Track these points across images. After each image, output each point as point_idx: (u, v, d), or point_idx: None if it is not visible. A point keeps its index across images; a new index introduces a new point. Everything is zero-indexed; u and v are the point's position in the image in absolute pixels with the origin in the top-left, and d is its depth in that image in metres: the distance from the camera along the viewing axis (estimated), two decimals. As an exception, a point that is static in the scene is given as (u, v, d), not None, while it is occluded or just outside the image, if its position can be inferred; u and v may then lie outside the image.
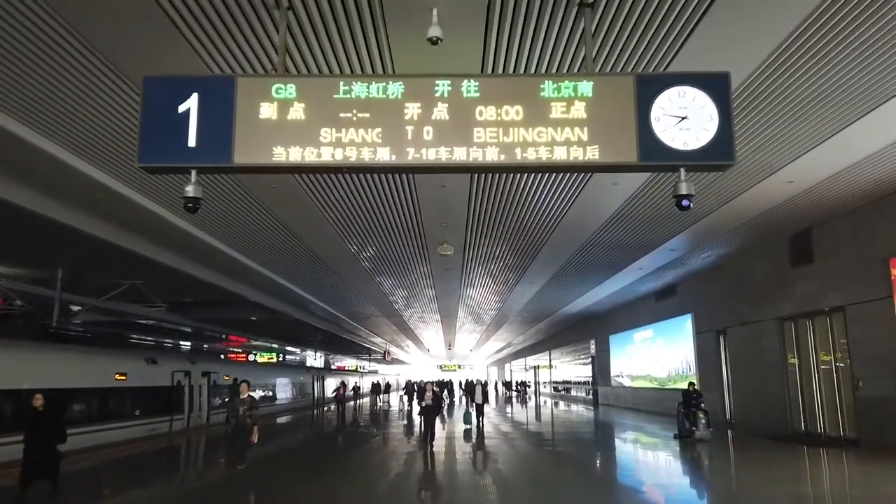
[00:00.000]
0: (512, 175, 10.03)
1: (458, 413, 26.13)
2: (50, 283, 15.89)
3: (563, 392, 44.04)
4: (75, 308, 23.99)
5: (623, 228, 13.49)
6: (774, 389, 15.08)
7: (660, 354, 23.62)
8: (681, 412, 14.93)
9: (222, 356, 42.75)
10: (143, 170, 4.95)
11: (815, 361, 14.06)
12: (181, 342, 40.11)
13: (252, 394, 10.91)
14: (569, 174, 9.94)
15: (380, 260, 17.01)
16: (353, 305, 27.35)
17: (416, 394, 27.05)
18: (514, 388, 56.87)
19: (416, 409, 20.90)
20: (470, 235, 14.13)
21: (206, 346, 44.83)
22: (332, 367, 56.77)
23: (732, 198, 11.26)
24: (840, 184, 10.62)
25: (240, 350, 46.77)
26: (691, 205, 5.09)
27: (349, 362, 66.05)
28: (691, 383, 15.84)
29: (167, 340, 36.12)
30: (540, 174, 9.84)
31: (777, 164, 9.48)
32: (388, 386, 48.89)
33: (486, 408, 21.09)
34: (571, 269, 18.47)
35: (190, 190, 4.90)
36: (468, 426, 19.00)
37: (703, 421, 14.28)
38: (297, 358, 53.65)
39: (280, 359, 50.49)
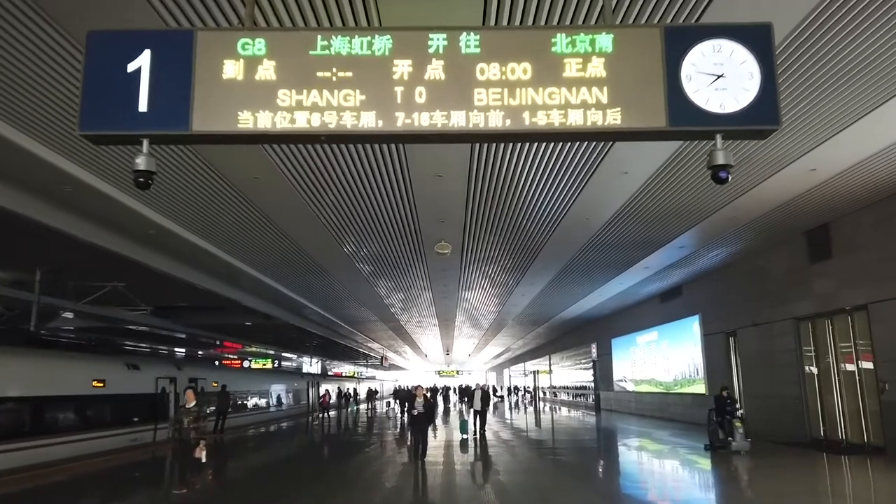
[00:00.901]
0: (513, 163, 9.33)
1: (457, 420, 25.37)
2: (28, 285, 15.14)
3: (563, 397, 43.23)
4: (66, 314, 23.26)
5: (630, 225, 12.78)
6: (790, 393, 14.35)
7: (665, 358, 22.88)
8: (713, 420, 13.44)
9: (217, 362, 41.92)
10: (86, 139, 4.23)
11: (835, 364, 13.33)
12: (174, 349, 39.29)
13: (198, 403, 9.63)
14: (575, 157, 9.23)
15: (375, 261, 16.28)
16: (348, 309, 26.59)
17: (406, 401, 26.03)
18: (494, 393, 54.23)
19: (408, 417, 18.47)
20: (468, 232, 13.40)
21: (200, 352, 44.06)
22: (329, 373, 55.82)
23: (749, 189, 10.55)
24: (865, 173, 9.93)
25: (234, 356, 45.92)
26: (729, 177, 4.37)
27: (346, 368, 65.17)
28: (724, 388, 13.94)
29: (158, 347, 35.23)
30: (550, 144, 9.10)
31: (801, 150, 8.78)
32: (373, 393, 47.66)
33: (487, 415, 19.32)
34: (574, 270, 17.76)
35: (141, 162, 4.19)
36: (465, 436, 17.22)
37: (741, 430, 12.80)
38: (293, 364, 52.79)
39: (275, 365, 49.64)
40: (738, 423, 12.88)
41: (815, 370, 13.93)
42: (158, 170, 8.71)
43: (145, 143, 4.20)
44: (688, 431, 17.78)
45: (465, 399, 21.41)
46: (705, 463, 12.26)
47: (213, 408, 19.05)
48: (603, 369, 31.09)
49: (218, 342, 40.02)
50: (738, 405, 13.58)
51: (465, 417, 18.83)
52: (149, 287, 17.32)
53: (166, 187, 10.02)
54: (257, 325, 30.31)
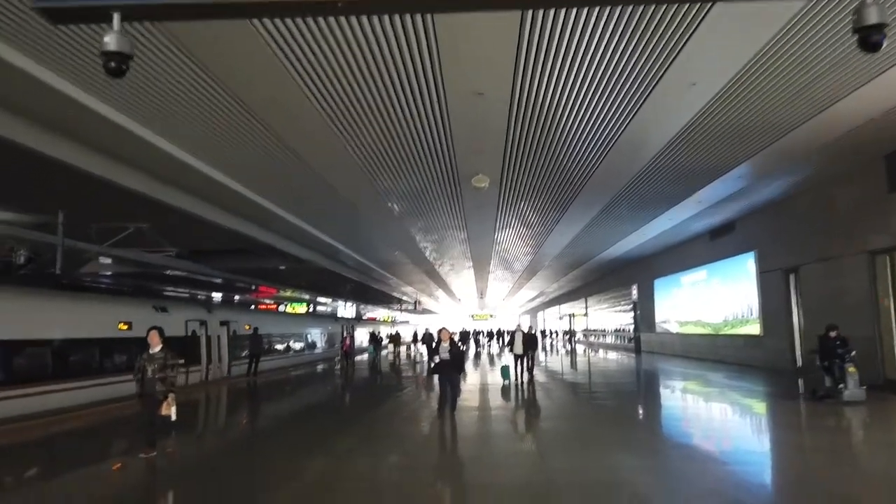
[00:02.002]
0: (563, 78, 8.15)
1: (489, 364, 24.85)
2: (51, 228, 14.66)
3: (599, 340, 42.56)
4: (103, 259, 23.09)
5: (688, 151, 11.51)
6: (862, 333, 13.16)
7: (714, 298, 21.73)
8: (821, 366, 11.67)
9: (252, 307, 42.19)
10: (43, 15, 3.29)
11: (918, 300, 12.08)
12: (209, 294, 39.52)
13: (167, 347, 7.77)
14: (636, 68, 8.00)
15: (410, 198, 15.35)
16: (381, 253, 25.95)
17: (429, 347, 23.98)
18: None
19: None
20: (507, 164, 12.31)
21: (236, 297, 44.42)
22: (364, 317, 56.10)
23: (828, 106, 9.21)
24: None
25: (269, 301, 46.20)
26: (884, 41, 3.25)
27: (380, 313, 65.52)
28: (832, 328, 11.71)
29: (192, 292, 35.28)
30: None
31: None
32: (397, 337, 38.14)
33: (529, 361, 16.96)
34: (620, 205, 16.58)
35: (110, 42, 3.28)
36: (506, 381, 15.80)
37: (855, 377, 10.99)
38: (327, 309, 53.08)
39: (309, 309, 49.93)
40: (851, 369, 11.06)
41: (892, 309, 12.68)
42: (177, 99, 7.60)
43: (116, 17, 3.27)
44: (743, 374, 16.84)
45: (505, 342, 19.21)
46: (826, 419, 9.96)
47: (246, 352, 18.74)
48: (644, 311, 30.12)
49: (253, 287, 40.15)
50: (849, 347, 11.50)
51: (506, 363, 17.22)
52: (176, 230, 16.75)
53: (185, 118, 9.18)
54: (291, 270, 29.94)
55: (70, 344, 12.33)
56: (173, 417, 7.30)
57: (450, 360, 10.32)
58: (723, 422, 10.44)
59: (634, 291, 31.14)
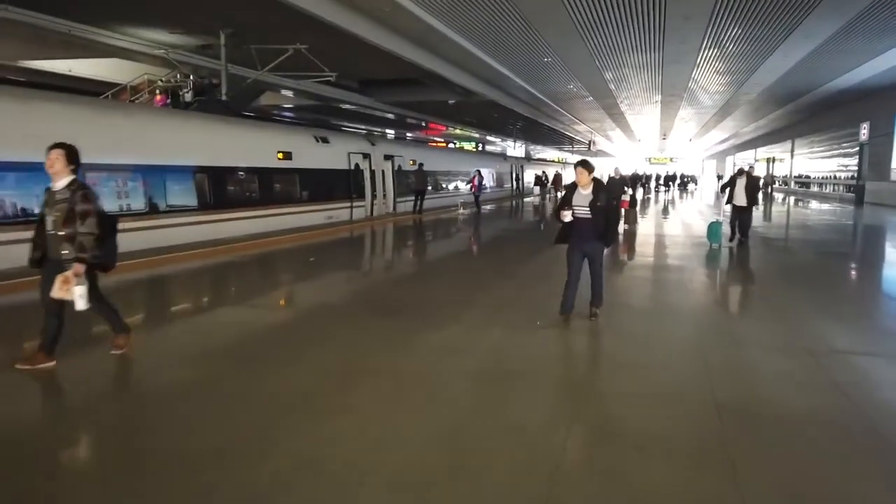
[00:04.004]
0: None
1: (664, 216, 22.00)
2: (214, 51, 14.43)
3: (806, 189, 37.03)
4: (286, 92, 23.38)
5: None
6: None
7: None
8: None
9: (418, 144, 42.41)
10: None
11: None
12: (383, 130, 40.12)
13: (82, 182, 4.29)
14: None
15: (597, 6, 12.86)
16: (556, 83, 23.51)
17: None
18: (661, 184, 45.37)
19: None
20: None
21: (408, 135, 44.83)
22: (534, 157, 54.33)
23: None
24: None
25: (438, 139, 46.11)
26: None
27: (550, 154, 63.17)
28: None
29: (360, 127, 35.67)
30: None
31: None
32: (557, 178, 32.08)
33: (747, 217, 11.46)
34: (871, 16, 12.59)
35: None
36: (714, 244, 10.98)
37: None
38: (497, 148, 52.02)
39: (477, 147, 49.23)
40: None
41: None
42: None
43: None
44: None
45: (725, 189, 11.61)
46: None
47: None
48: (875, 155, 24.88)
49: (423, 123, 39.96)
50: None
51: (719, 220, 11.44)
52: (337, 53, 15.89)
53: None
54: (460, 104, 28.70)
55: (221, 172, 11.40)
56: (78, 306, 4.11)
57: (592, 218, 5.41)
58: None
59: (864, 130, 25.65)
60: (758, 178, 12.22)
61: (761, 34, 14.90)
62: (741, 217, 11.27)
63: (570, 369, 4.70)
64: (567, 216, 5.39)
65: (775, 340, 5.22)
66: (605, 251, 5.74)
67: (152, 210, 9.73)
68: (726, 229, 11.38)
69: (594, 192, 5.45)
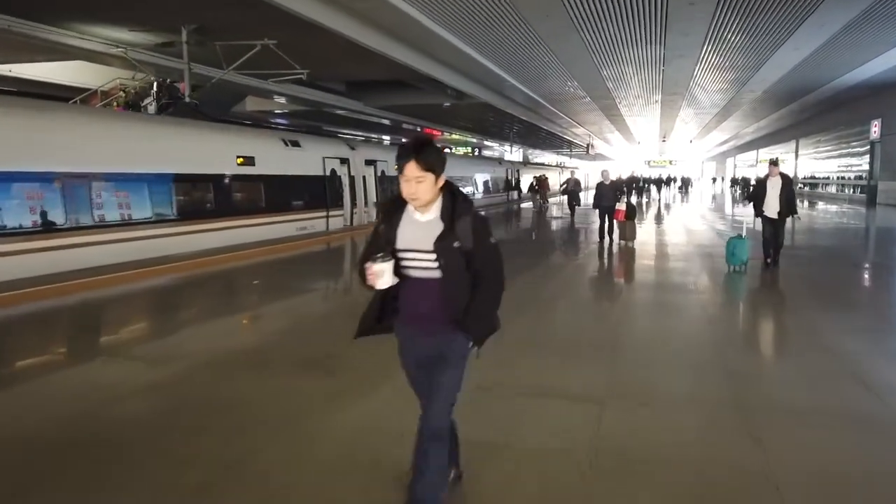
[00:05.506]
0: None
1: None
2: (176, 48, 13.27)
3: (812, 190, 35.93)
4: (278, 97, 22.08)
5: None
6: None
7: None
8: None
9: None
10: None
11: None
12: (380, 136, 39.13)
13: None
14: None
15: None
16: (553, 83, 22.45)
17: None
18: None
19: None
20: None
21: (403, 140, 43.83)
22: (531, 162, 53.18)
23: None
24: None
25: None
26: None
27: (548, 158, 62.13)
28: None
29: (366, 135, 34.65)
30: None
31: None
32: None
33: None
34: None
35: None
36: (736, 266, 8.53)
37: None
38: (493, 153, 51.03)
39: (473, 152, 48.20)
40: None
41: None
42: None
43: None
44: None
45: (750, 197, 8.94)
46: None
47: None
48: (887, 153, 23.79)
49: (418, 128, 39.00)
50: None
51: (741, 235, 8.73)
52: (317, 52, 14.80)
53: None
54: (455, 108, 27.61)
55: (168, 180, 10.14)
56: None
57: (441, 279, 2.23)
58: None
59: (875, 128, 24.57)
60: (790, 179, 9.28)
61: (771, 22, 13.80)
62: (777, 231, 8.72)
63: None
64: (379, 279, 2.17)
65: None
66: (473, 353, 2.30)
67: (48, 228, 7.91)
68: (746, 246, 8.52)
69: (448, 217, 2.23)
